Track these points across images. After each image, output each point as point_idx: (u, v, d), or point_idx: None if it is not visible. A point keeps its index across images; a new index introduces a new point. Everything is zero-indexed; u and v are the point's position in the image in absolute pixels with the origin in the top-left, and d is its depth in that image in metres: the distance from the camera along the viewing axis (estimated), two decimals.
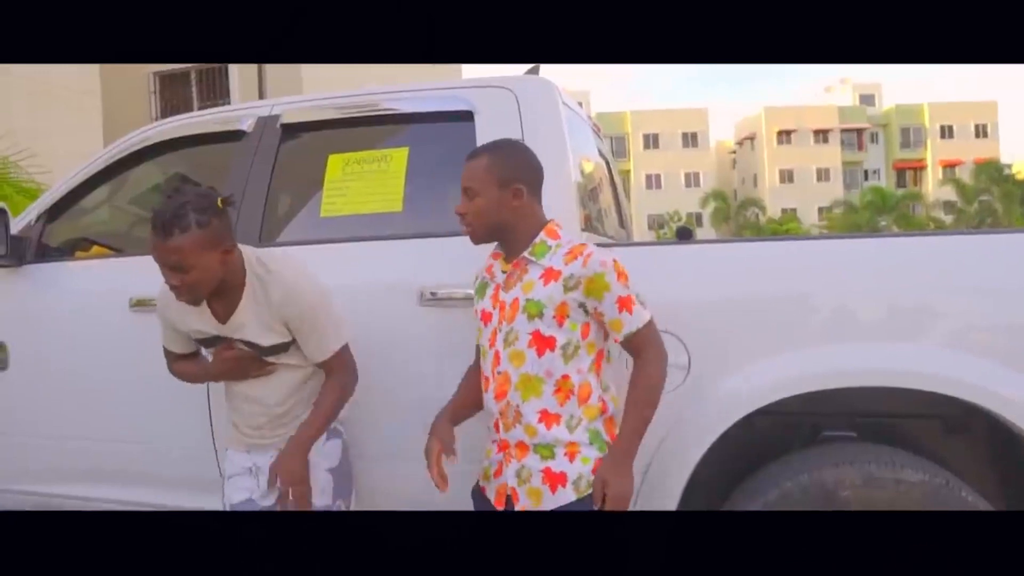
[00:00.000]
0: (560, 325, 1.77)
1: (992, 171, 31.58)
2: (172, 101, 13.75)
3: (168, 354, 2.21)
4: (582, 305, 1.77)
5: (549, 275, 1.79)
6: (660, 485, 2.02)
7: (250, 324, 2.01)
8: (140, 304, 2.44)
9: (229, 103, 12.96)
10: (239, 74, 13.25)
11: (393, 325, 2.24)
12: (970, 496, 1.85)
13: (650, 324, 1.77)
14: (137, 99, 13.61)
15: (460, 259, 2.20)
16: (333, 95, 2.59)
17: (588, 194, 2.62)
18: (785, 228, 31.94)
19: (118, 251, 2.98)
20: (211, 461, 2.41)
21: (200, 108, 13.31)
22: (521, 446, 1.81)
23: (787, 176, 48.41)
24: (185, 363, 2.21)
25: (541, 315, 1.78)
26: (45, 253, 2.79)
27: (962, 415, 2.05)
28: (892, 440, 2.09)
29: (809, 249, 2.15)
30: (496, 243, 1.94)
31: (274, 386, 2.07)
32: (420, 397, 2.22)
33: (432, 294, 2.20)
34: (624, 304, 1.75)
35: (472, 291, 2.01)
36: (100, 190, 2.88)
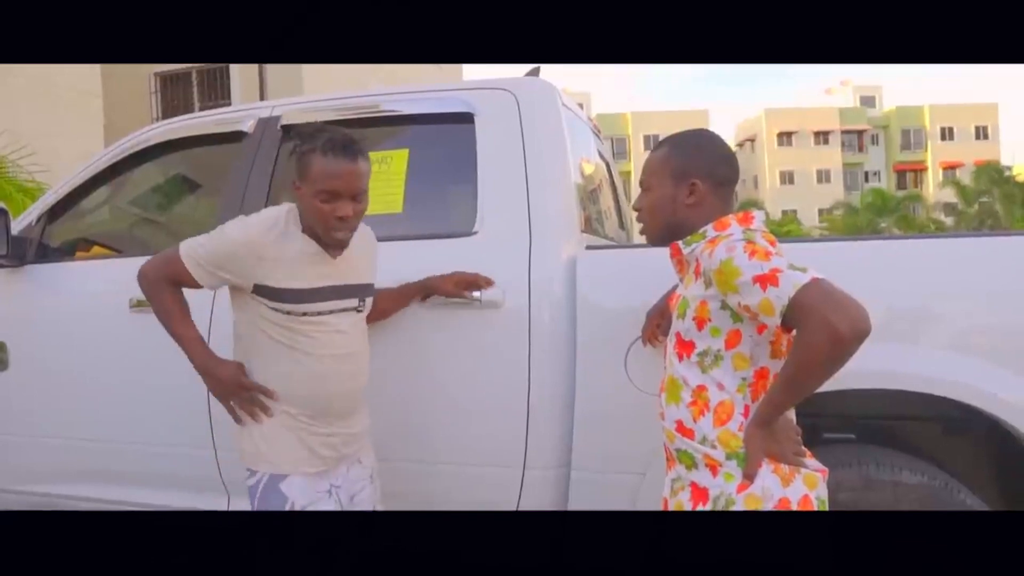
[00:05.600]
0: (699, 329, 1.54)
1: (992, 173, 31.53)
2: (173, 102, 13.76)
3: (180, 274, 1.85)
4: (725, 306, 1.51)
5: (698, 269, 1.57)
6: (658, 490, 2.02)
7: (358, 259, 1.96)
8: (140, 305, 2.44)
9: (230, 103, 12.97)
10: (240, 75, 13.26)
11: (394, 325, 2.24)
12: (968, 498, 1.86)
13: (807, 287, 1.37)
14: (138, 99, 13.63)
15: (459, 260, 2.20)
16: (334, 96, 2.60)
17: (588, 196, 2.62)
18: (785, 230, 31.92)
19: (119, 252, 2.98)
20: (211, 462, 2.41)
21: (201, 109, 13.34)
22: (668, 452, 1.64)
23: (787, 178, 48.43)
24: (179, 297, 1.91)
25: (684, 315, 1.58)
26: (46, 253, 2.80)
27: (961, 418, 2.06)
28: (891, 442, 2.09)
29: (808, 252, 2.15)
30: None
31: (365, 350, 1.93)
32: (422, 397, 2.23)
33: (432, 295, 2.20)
34: (765, 280, 1.40)
35: (476, 294, 2.04)
36: (101, 191, 2.88)
